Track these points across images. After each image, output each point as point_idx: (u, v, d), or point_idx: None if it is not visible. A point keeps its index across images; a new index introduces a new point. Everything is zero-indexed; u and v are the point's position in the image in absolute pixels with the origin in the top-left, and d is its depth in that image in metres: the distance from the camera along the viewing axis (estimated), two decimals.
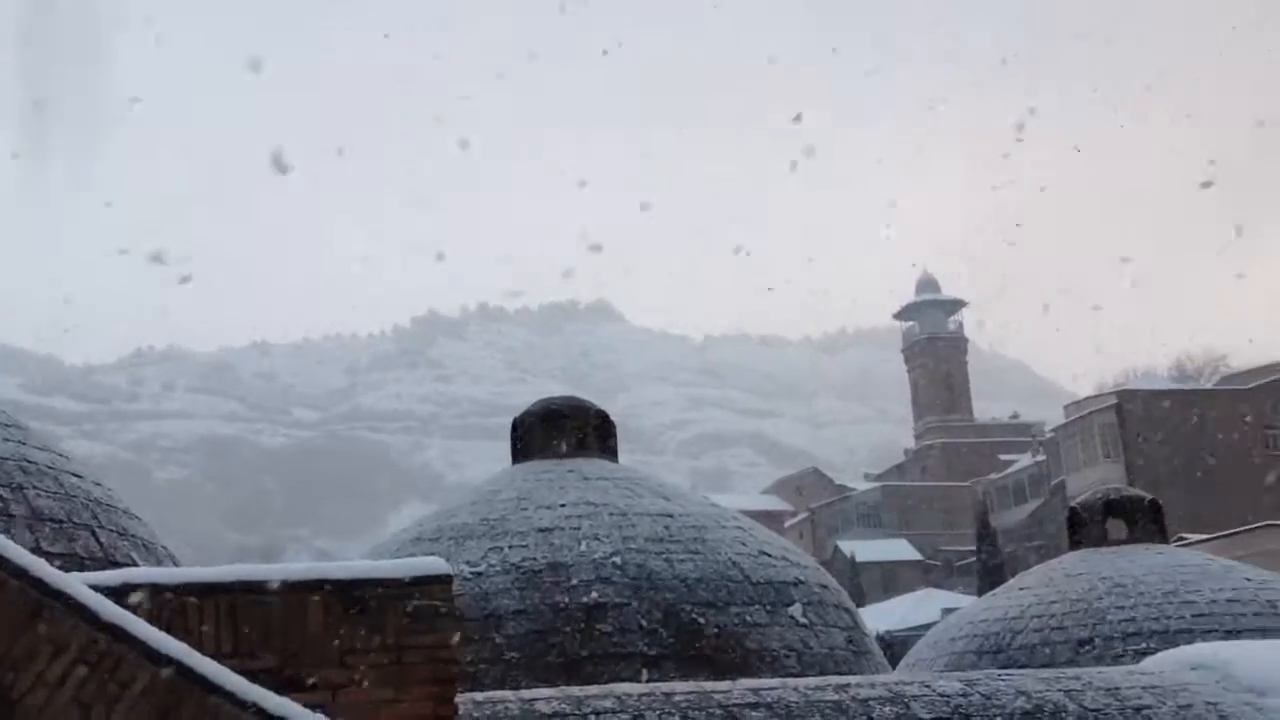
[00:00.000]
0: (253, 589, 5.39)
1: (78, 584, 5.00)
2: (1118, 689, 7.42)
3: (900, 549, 77.00)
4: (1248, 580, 12.25)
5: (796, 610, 10.68)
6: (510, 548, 10.46)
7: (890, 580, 68.81)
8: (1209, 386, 74.08)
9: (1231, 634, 10.90)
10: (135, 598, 5.21)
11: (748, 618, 10.30)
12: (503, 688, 7.78)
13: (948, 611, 24.75)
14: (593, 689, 6.45)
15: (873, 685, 7.12)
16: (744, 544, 11.14)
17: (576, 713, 6.13)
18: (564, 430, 12.33)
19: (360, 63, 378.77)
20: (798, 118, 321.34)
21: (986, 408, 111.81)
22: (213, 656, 5.08)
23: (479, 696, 6.19)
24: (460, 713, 5.58)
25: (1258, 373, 71.95)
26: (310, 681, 5.32)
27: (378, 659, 5.37)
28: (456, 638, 5.39)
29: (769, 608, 10.56)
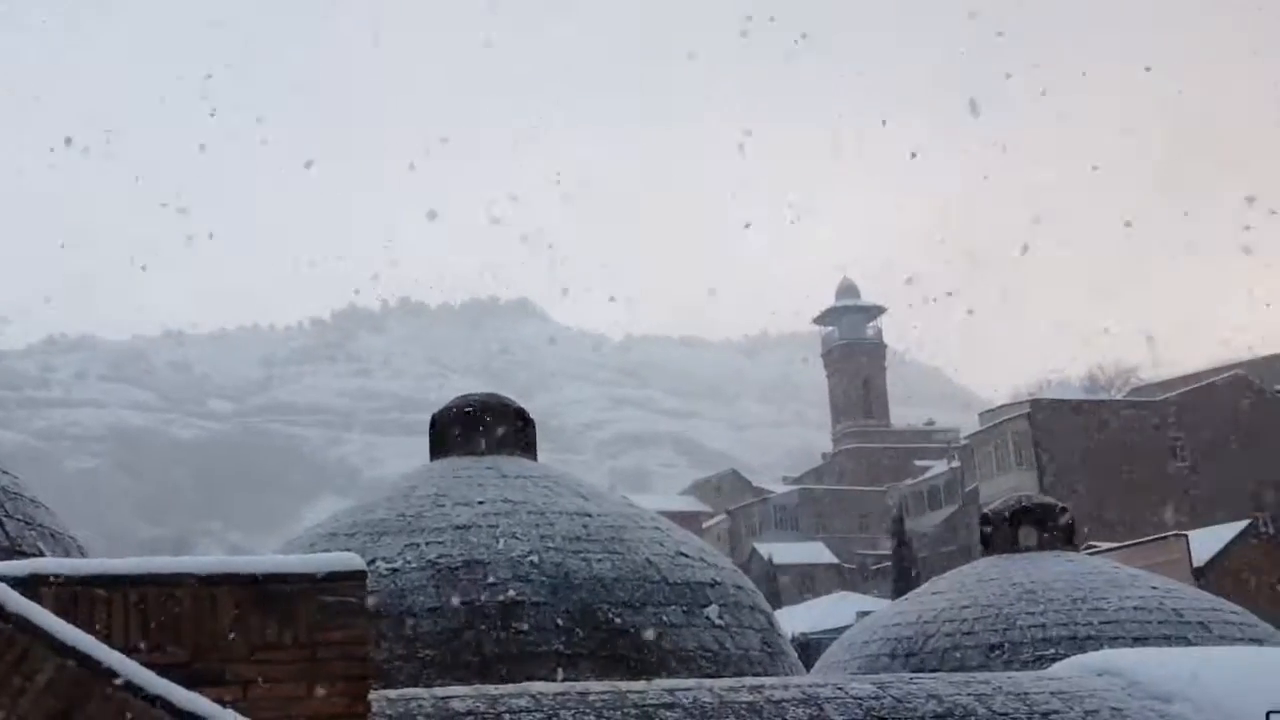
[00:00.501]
0: (163, 582, 5.29)
1: None
2: (1026, 694, 7.54)
3: (817, 552, 77.69)
4: (1154, 588, 12.49)
5: (713, 611, 10.71)
6: (427, 544, 10.38)
7: (806, 583, 69.38)
8: (1120, 397, 75.60)
9: (1138, 641, 11.11)
10: (42, 589, 5.09)
11: (664, 618, 10.31)
12: (417, 685, 7.72)
13: (862, 615, 24.98)
14: (508, 688, 6.42)
15: (786, 687, 7.16)
16: (661, 544, 11.15)
17: (491, 711, 6.10)
18: (483, 427, 12.27)
19: (286, 49, 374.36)
20: (727, 117, 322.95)
21: (903, 414, 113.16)
22: (121, 650, 4.98)
23: (393, 694, 6.14)
24: (374, 710, 5.52)
25: (1166, 385, 73.58)
26: (221, 676, 5.24)
27: (290, 654, 5.30)
28: (370, 634, 5.33)
29: (685, 609, 10.58)
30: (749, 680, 7.43)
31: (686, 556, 11.21)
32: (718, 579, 11.19)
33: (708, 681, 7.25)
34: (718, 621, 10.66)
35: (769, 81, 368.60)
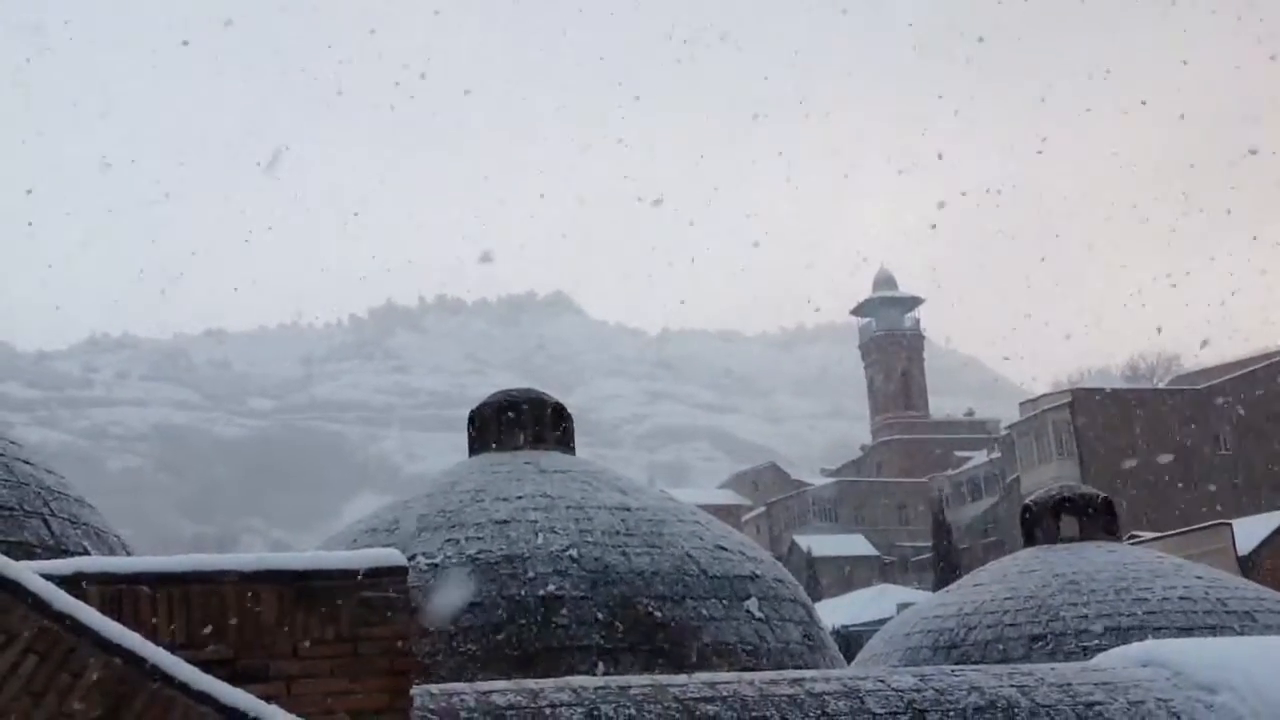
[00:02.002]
0: (206, 579, 5.33)
1: (28, 573, 4.93)
2: (1069, 685, 7.48)
3: (856, 544, 77.44)
4: (1198, 578, 12.39)
5: (752, 604, 10.70)
6: (467, 539, 10.43)
7: (846, 575, 69.14)
8: (1161, 386, 74.92)
9: (1183, 631, 11.02)
10: (87, 587, 5.15)
11: (704, 611, 10.31)
12: (458, 680, 7.75)
13: (903, 607, 24.86)
14: (548, 682, 6.43)
15: (828, 680, 7.13)
16: (700, 538, 11.15)
17: (532, 705, 6.11)
18: (521, 423, 12.30)
19: (311, 52, 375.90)
20: (756, 116, 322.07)
21: (942, 404, 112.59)
22: (166, 647, 5.03)
23: (434, 688, 6.16)
24: (417, 704, 5.55)
25: (1208, 373, 72.84)
26: (265, 673, 5.28)
27: (332, 650, 5.33)
28: (412, 629, 5.36)
29: (725, 602, 10.58)
30: (790, 673, 7.40)
31: (726, 550, 11.21)
32: (757, 572, 11.19)
33: (748, 674, 7.23)
34: (758, 614, 10.65)
35: (810, 76, 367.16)
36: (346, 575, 5.47)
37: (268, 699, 5.09)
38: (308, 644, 5.34)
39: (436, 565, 10.11)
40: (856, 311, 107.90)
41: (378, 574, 5.51)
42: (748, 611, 10.62)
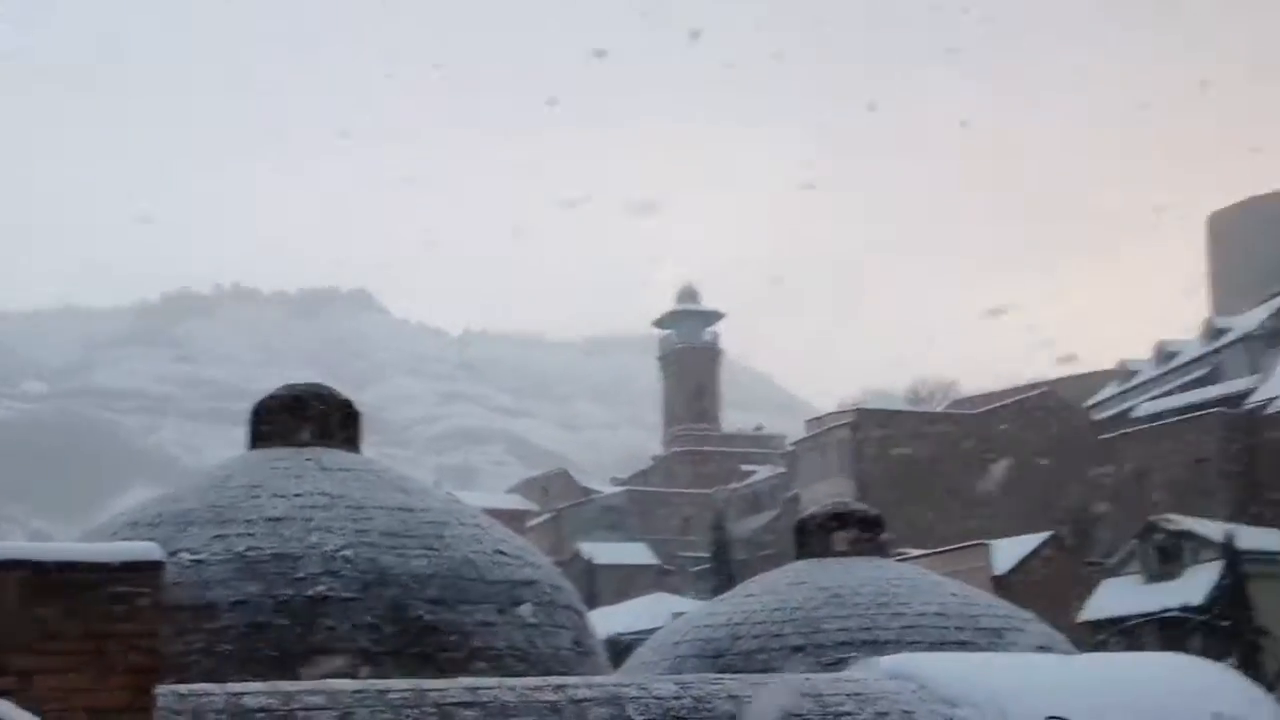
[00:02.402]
0: None
1: None
2: (821, 695, 7.77)
3: (638, 552, 78.22)
4: (954, 595, 12.93)
5: (526, 610, 10.72)
6: (236, 536, 10.17)
7: (627, 583, 69.74)
8: (939, 410, 78.01)
9: (935, 646, 11.49)
10: None
11: (477, 616, 10.29)
12: (214, 680, 7.57)
13: (678, 616, 25.19)
14: (305, 684, 6.35)
15: (590, 686, 7.24)
16: (480, 542, 11.11)
17: (284, 708, 6.02)
18: (306, 418, 12.03)
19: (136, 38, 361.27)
20: (552, 100, 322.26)
21: (735, 419, 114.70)
22: None
23: (183, 689, 6.01)
24: (161, 705, 5.41)
25: (984, 399, 76.26)
26: (2, 666, 5.08)
27: (76, 645, 5.16)
28: (162, 627, 5.23)
29: (499, 607, 10.57)
30: (553, 679, 7.48)
31: (505, 554, 11.19)
32: (534, 577, 11.21)
33: (511, 680, 7.28)
34: (530, 620, 10.67)
35: (608, 83, 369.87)
36: (96, 569, 5.30)
37: (2, 694, 4.90)
38: (51, 638, 5.15)
39: (201, 562, 9.84)
40: (659, 323, 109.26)
41: (131, 569, 5.35)
42: (520, 617, 10.64)
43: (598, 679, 7.80)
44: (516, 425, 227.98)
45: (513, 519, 68.93)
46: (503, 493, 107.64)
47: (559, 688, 7.12)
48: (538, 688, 7.07)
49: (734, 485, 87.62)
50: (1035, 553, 45.49)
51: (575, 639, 11.07)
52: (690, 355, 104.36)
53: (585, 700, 7.00)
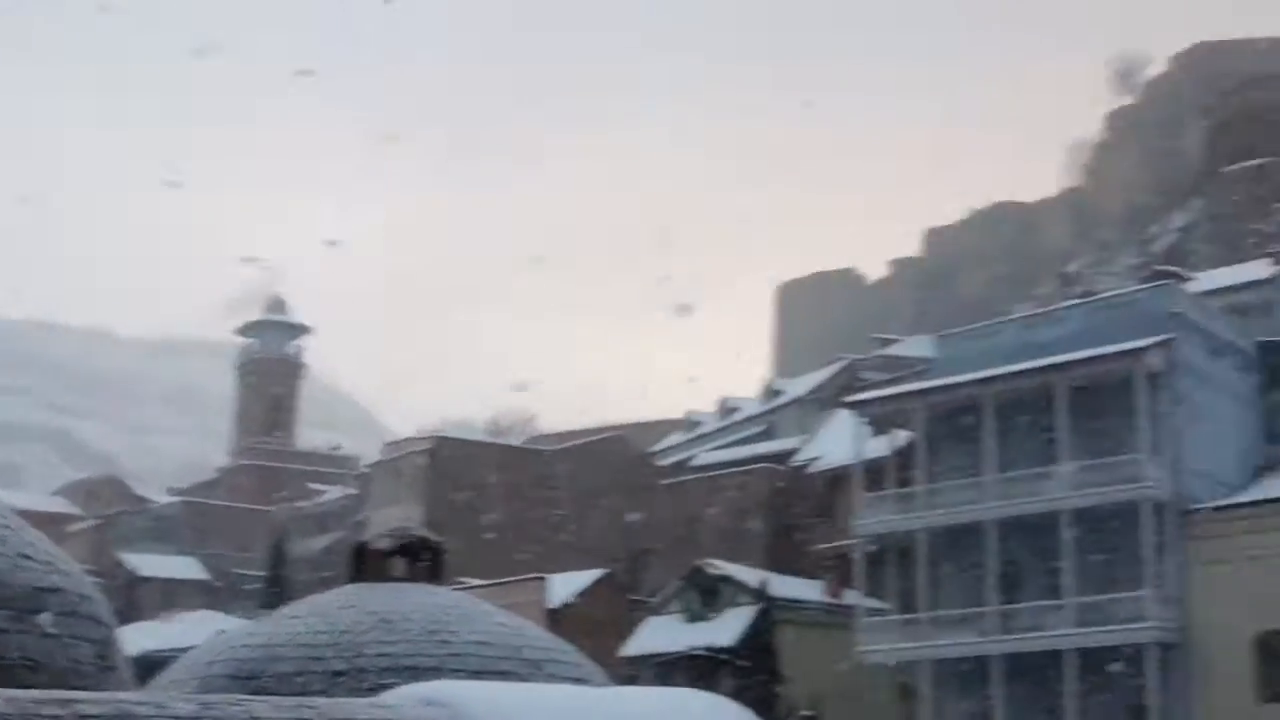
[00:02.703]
0: None
1: None
2: (353, 719, 7.66)
3: (187, 566, 75.05)
4: (502, 625, 13.11)
5: (46, 619, 10.09)
6: None
7: (172, 598, 66.64)
8: (517, 444, 79.41)
9: (476, 674, 11.60)
10: None
11: None
12: None
13: (220, 634, 24.24)
14: None
15: (100, 703, 6.82)
16: (5, 543, 10.38)
17: None
18: None
19: None
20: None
21: (313, 436, 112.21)
22: None
23: None
24: None
25: (560, 437, 78.37)
26: None
27: None
28: None
29: (16, 615, 9.89)
30: (61, 693, 6.99)
31: (30, 559, 10.49)
32: (60, 585, 10.55)
33: (13, 691, 6.75)
34: (50, 630, 10.05)
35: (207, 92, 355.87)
36: None
37: None
38: None
39: None
40: (243, 331, 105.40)
41: None
42: (39, 626, 9.99)
43: (111, 695, 7.36)
44: (71, 424, 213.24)
45: (53, 523, 64.43)
46: (46, 495, 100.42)
47: (65, 702, 6.65)
48: (41, 701, 6.59)
49: (301, 503, 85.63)
50: (589, 589, 47.10)
51: (99, 653, 10.46)
52: (271, 366, 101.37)
53: (92, 716, 6.58)
